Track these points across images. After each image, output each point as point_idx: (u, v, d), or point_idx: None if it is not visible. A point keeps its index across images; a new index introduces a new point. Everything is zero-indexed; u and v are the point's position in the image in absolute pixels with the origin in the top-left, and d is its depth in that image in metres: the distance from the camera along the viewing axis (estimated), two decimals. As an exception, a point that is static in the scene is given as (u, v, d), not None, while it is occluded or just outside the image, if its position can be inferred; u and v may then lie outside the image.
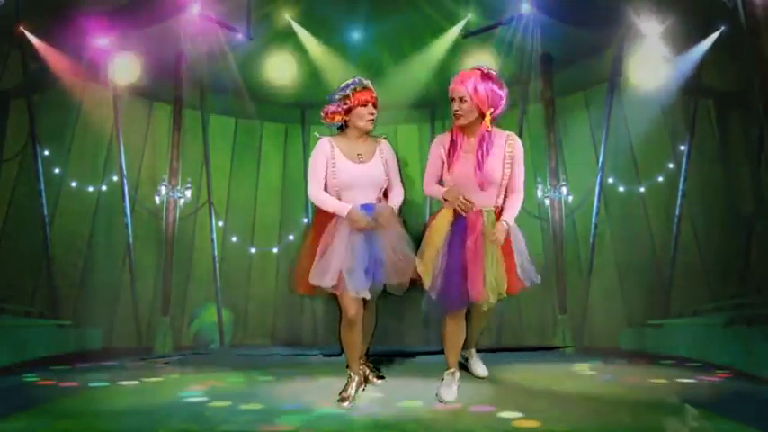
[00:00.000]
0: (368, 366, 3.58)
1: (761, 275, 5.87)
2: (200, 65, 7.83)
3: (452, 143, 3.16)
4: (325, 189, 3.22)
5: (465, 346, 3.63)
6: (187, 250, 8.42)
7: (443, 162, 3.19)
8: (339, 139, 3.28)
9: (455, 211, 3.10)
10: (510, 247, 3.13)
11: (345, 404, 3.04)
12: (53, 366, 4.86)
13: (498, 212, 3.14)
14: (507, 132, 3.17)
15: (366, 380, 3.51)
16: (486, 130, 3.10)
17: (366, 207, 3.17)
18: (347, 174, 3.19)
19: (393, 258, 3.11)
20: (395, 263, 3.11)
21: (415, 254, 3.16)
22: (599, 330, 7.45)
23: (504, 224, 3.07)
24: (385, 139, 3.39)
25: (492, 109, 3.07)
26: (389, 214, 3.14)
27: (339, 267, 3.02)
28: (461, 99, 3.06)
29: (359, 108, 3.21)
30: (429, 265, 3.07)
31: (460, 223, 3.08)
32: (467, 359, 3.79)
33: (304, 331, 8.80)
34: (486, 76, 3.06)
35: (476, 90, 3.03)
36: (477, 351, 3.91)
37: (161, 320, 7.42)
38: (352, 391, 3.15)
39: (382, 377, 3.51)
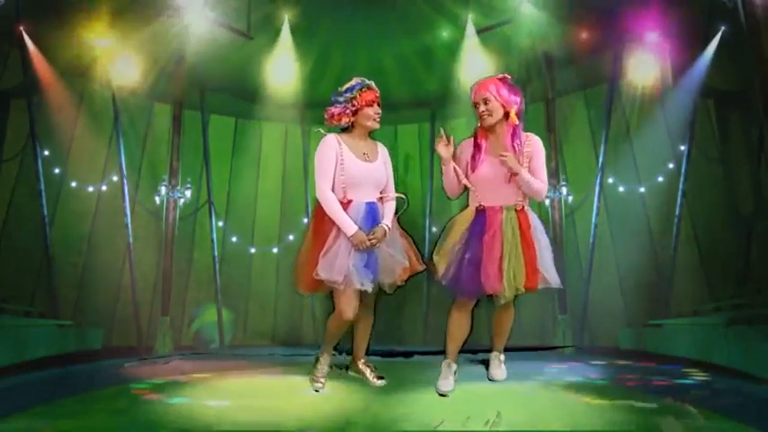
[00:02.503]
0: (368, 366, 3.58)
1: (761, 275, 5.87)
2: (200, 65, 7.84)
3: (476, 146, 3.27)
4: (332, 186, 3.25)
5: (490, 348, 3.74)
6: (187, 250, 8.43)
7: (467, 165, 3.29)
8: (344, 137, 3.31)
9: (476, 208, 3.22)
10: (529, 238, 3.18)
11: (320, 385, 3.16)
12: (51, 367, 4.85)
13: (519, 210, 3.21)
14: (526, 133, 3.26)
15: (365, 379, 3.53)
16: (515, 125, 3.20)
17: (370, 205, 3.24)
18: (355, 171, 3.22)
19: (388, 259, 3.20)
20: (389, 263, 3.20)
21: (405, 255, 3.31)
22: (599, 330, 7.45)
23: (524, 171, 3.12)
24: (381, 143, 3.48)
25: (515, 106, 3.19)
26: (384, 234, 3.23)
27: (345, 263, 3.08)
28: (485, 101, 3.21)
29: (366, 108, 3.26)
30: (445, 256, 3.19)
31: (480, 219, 3.20)
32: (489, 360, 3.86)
33: (304, 331, 8.80)
34: (503, 80, 3.21)
35: (498, 91, 3.17)
36: (478, 351, 3.93)
37: (161, 320, 7.42)
38: (324, 371, 3.33)
39: (382, 378, 3.51)
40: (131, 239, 7.68)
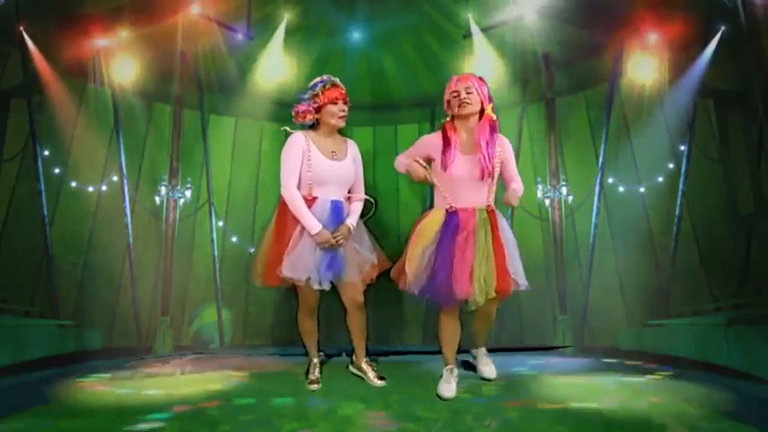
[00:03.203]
0: (371, 366, 3.57)
1: (761, 275, 5.87)
2: (200, 65, 7.84)
3: (446, 142, 3.19)
4: (298, 183, 3.29)
5: (474, 345, 3.68)
6: (187, 250, 8.43)
7: (431, 159, 3.21)
8: (312, 135, 3.33)
9: (447, 210, 3.16)
10: (500, 239, 3.13)
11: (315, 386, 3.18)
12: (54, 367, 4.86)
13: (490, 211, 3.18)
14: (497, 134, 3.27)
15: (365, 377, 3.53)
16: (493, 120, 3.20)
17: (335, 203, 3.27)
18: (322, 169, 3.25)
19: (355, 256, 3.24)
20: (356, 260, 3.24)
21: (376, 252, 3.34)
22: (599, 330, 7.45)
23: (515, 190, 3.12)
24: (351, 139, 3.50)
25: (490, 103, 3.20)
26: (348, 232, 3.27)
27: (309, 261, 3.12)
28: (467, 89, 3.17)
29: (329, 106, 3.28)
30: (414, 263, 3.11)
31: (452, 221, 3.12)
32: (475, 358, 3.79)
33: (304, 331, 8.79)
34: (481, 79, 3.23)
35: (480, 86, 3.18)
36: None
37: (161, 320, 7.42)
38: (318, 373, 3.32)
39: (383, 378, 3.50)
40: (131, 239, 7.68)
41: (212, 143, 8.63)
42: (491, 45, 7.73)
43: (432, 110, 9.00)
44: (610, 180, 7.67)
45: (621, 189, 7.63)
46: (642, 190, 7.49)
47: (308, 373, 3.52)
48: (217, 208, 8.67)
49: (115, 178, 7.81)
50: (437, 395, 3.12)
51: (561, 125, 7.96)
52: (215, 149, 8.71)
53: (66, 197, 7.57)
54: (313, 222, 3.14)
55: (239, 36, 7.60)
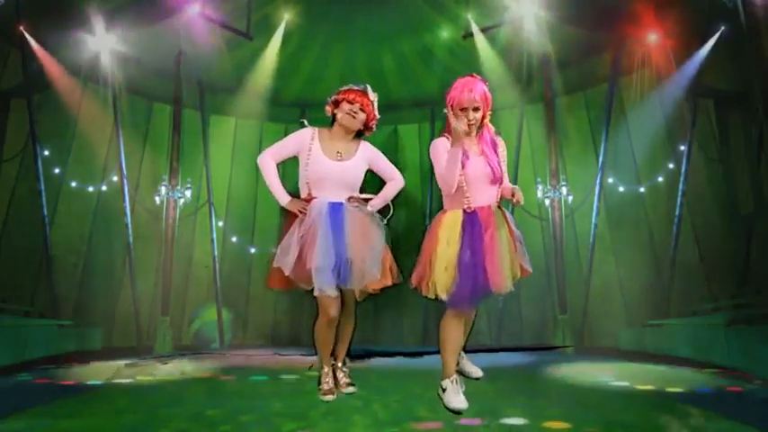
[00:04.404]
0: (342, 372, 3.46)
1: (761, 275, 5.87)
2: (200, 65, 7.84)
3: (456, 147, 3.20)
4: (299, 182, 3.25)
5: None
6: (187, 250, 8.42)
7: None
8: (323, 133, 3.30)
9: (464, 210, 3.14)
10: (513, 234, 3.18)
11: (330, 396, 3.09)
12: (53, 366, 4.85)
13: (499, 207, 3.19)
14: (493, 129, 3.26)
15: (336, 385, 3.41)
16: (488, 130, 3.18)
17: (334, 206, 3.20)
18: (318, 168, 3.20)
19: (359, 264, 3.13)
20: (359, 269, 3.13)
21: (387, 267, 3.23)
22: (599, 330, 7.44)
23: (517, 189, 3.14)
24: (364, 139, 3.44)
25: (489, 111, 3.17)
26: (363, 203, 3.17)
27: (311, 265, 3.06)
28: (475, 109, 3.12)
29: (344, 103, 3.27)
30: (451, 270, 3.06)
31: (474, 221, 3.12)
32: (458, 362, 3.76)
33: (304, 331, 8.79)
34: (483, 81, 3.18)
35: (485, 97, 3.12)
36: (478, 351, 3.91)
37: (161, 320, 7.42)
38: (331, 382, 3.23)
39: (352, 385, 3.39)
40: (131, 239, 7.67)
41: (212, 143, 8.63)
42: (491, 45, 7.73)
43: (431, 110, 9.00)
44: (610, 180, 7.67)
45: (621, 189, 7.62)
46: (642, 190, 7.49)
47: (319, 382, 3.39)
48: (217, 208, 8.67)
49: (115, 178, 7.81)
50: (450, 410, 3.03)
51: (561, 125, 7.95)
52: (215, 149, 8.71)
53: (66, 197, 7.57)
54: (281, 191, 3.12)
55: (239, 36, 7.59)
